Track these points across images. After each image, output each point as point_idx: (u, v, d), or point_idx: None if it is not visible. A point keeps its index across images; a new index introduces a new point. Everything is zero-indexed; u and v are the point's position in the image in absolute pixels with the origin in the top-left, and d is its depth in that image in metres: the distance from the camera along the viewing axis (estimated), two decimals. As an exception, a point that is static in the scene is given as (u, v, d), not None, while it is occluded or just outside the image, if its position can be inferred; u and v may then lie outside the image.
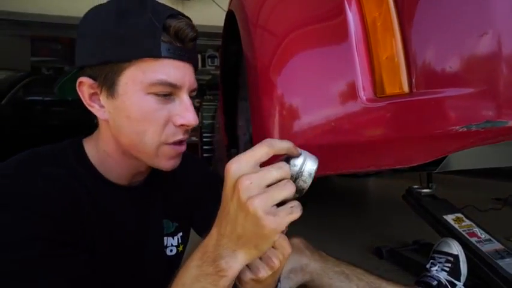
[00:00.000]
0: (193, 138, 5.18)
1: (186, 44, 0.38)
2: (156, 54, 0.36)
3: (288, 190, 0.26)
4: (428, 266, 0.94)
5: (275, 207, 0.26)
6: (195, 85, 0.41)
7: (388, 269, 1.28)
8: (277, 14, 0.57)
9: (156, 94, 0.37)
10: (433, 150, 0.39)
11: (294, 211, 0.27)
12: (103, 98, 0.39)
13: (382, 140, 0.40)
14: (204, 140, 4.89)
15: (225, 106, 1.33)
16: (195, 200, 0.59)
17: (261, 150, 0.27)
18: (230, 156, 1.36)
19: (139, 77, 0.36)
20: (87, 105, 0.40)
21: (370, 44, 0.41)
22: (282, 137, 0.46)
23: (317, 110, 0.43)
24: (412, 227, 1.68)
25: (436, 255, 0.96)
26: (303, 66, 0.47)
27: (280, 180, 0.27)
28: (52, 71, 4.71)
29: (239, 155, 0.27)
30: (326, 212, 2.10)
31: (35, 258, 0.32)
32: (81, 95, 0.39)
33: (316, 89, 0.44)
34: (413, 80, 0.37)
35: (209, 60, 5.08)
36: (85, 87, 0.39)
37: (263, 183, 0.26)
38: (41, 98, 1.73)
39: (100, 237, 0.42)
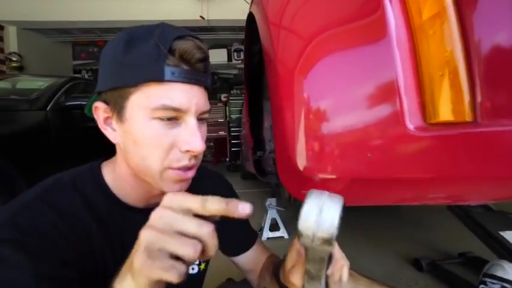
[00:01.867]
0: (222, 133, 5.30)
1: (193, 65, 0.37)
2: (159, 78, 0.35)
3: (187, 250, 0.24)
4: (479, 291, 0.82)
5: (165, 254, 0.24)
6: (205, 107, 0.39)
7: (428, 285, 1.17)
8: (300, 17, 0.50)
9: (161, 119, 0.37)
10: (503, 193, 0.30)
11: (171, 271, 0.24)
12: (114, 122, 0.40)
13: (433, 178, 0.32)
14: (232, 134, 4.93)
15: (250, 107, 1.28)
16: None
17: (195, 202, 0.26)
18: (256, 158, 1.32)
19: (144, 102, 0.36)
20: (101, 129, 0.42)
21: (417, 52, 0.33)
22: (308, 166, 0.41)
23: (349, 138, 0.36)
24: (457, 236, 1.51)
25: (487, 279, 0.84)
26: (330, 82, 0.40)
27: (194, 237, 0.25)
28: (91, 72, 5.07)
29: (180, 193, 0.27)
30: (361, 216, 1.98)
31: None
32: (96, 119, 0.41)
33: (347, 112, 0.37)
34: (478, 105, 0.29)
35: (235, 54, 5.06)
36: (100, 111, 0.41)
37: (173, 226, 0.25)
38: (79, 102, 1.84)
39: (114, 263, 0.41)
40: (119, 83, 0.37)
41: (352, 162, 0.36)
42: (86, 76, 5.02)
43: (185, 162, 0.39)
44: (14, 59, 4.18)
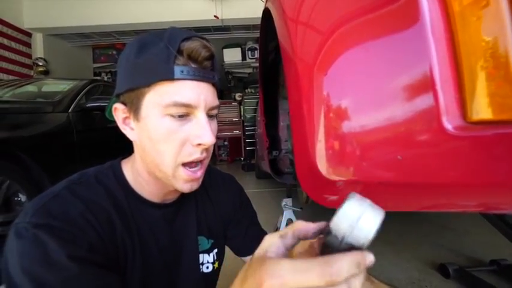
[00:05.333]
0: (237, 132, 5.33)
1: (201, 63, 0.40)
2: (169, 77, 0.38)
3: None
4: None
5: None
6: (214, 103, 0.42)
7: (456, 293, 1.10)
8: (319, 9, 0.47)
9: (172, 116, 0.39)
10: None
11: None
12: (132, 121, 0.43)
13: (471, 185, 0.28)
14: (247, 133, 4.94)
15: (265, 106, 1.25)
16: (228, 218, 0.61)
17: (315, 281, 0.20)
18: (272, 158, 1.30)
19: (157, 100, 0.39)
20: (121, 128, 0.45)
21: (456, 41, 0.29)
22: (330, 168, 0.38)
23: (376, 138, 0.33)
24: (490, 242, 1.41)
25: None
26: (354, 77, 0.37)
27: None
28: (110, 75, 5.26)
29: (284, 264, 0.21)
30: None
31: (72, 278, 0.35)
32: (116, 119, 0.45)
33: (374, 110, 0.34)
34: (533, 99, 0.25)
35: (249, 53, 5.05)
36: (119, 112, 0.44)
37: None
38: (99, 103, 1.90)
39: (133, 254, 0.45)
40: (134, 84, 0.40)
41: (379, 164, 0.33)
42: (106, 78, 5.21)
43: (197, 155, 0.42)
44: (41, 64, 4.41)
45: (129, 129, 0.44)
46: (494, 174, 0.27)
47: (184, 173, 0.42)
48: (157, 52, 0.38)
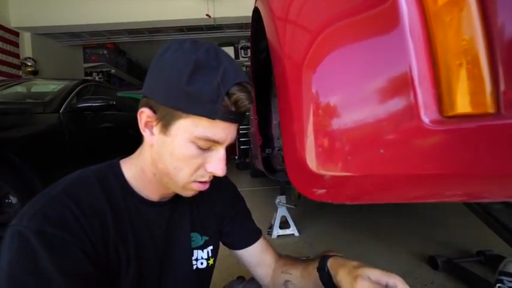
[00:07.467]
0: (230, 131, 5.27)
1: (240, 109, 0.42)
2: (211, 116, 0.40)
3: None
4: (499, 290, 0.79)
5: None
6: (234, 139, 0.46)
7: (444, 283, 1.13)
8: (306, 9, 0.49)
9: (198, 145, 0.42)
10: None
11: None
12: (156, 129, 0.44)
13: (449, 175, 0.30)
14: (241, 132, 4.94)
15: (257, 105, 1.27)
16: (222, 215, 0.63)
17: None
18: (265, 156, 1.31)
19: (190, 129, 0.41)
20: (141, 129, 0.46)
21: (432, 41, 0.31)
22: (318, 163, 0.39)
23: (360, 133, 0.35)
24: (478, 234, 1.46)
25: (504, 277, 0.80)
26: (340, 76, 0.39)
27: None
28: (101, 75, 5.18)
29: None
30: (371, 211, 1.94)
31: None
32: (139, 120, 0.45)
33: (358, 107, 0.35)
34: (501, 94, 0.27)
35: (242, 51, 5.05)
36: (144, 115, 0.44)
37: None
38: (90, 104, 1.87)
39: (127, 253, 0.47)
40: (176, 105, 0.41)
41: (363, 158, 0.35)
42: (97, 78, 5.13)
43: (207, 178, 0.46)
44: (29, 64, 4.31)
45: (149, 132, 0.45)
46: (468, 164, 0.29)
47: (195, 186, 0.46)
48: (209, 89, 0.39)
